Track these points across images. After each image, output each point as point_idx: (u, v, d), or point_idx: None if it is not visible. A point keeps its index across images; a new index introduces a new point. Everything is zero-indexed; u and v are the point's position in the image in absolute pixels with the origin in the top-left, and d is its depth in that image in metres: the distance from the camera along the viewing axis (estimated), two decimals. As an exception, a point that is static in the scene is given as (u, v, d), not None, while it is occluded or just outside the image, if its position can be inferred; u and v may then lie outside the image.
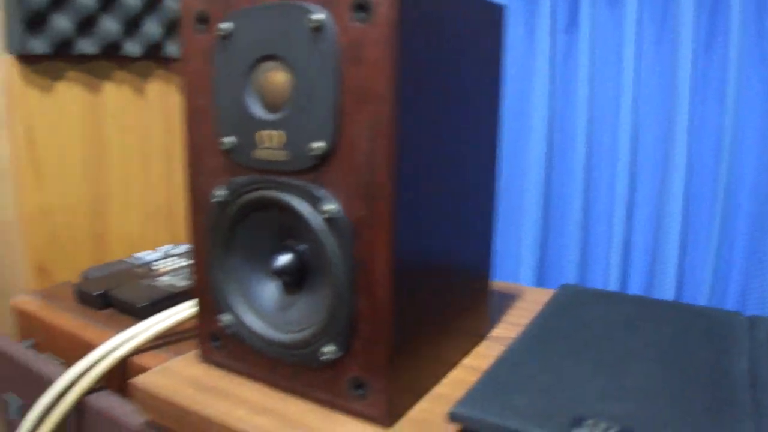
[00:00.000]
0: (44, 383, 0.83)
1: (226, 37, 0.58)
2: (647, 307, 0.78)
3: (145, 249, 1.28)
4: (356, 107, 0.52)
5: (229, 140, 0.59)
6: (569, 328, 0.71)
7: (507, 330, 0.78)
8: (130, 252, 1.28)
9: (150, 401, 0.65)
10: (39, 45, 1.07)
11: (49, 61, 1.12)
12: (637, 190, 1.43)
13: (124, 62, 1.23)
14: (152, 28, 1.22)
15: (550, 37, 1.46)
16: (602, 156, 1.47)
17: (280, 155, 0.56)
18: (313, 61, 0.53)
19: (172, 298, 0.87)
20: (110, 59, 1.21)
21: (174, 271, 0.97)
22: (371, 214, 0.52)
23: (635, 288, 1.47)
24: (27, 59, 1.09)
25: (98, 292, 0.91)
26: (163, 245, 1.26)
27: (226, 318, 0.64)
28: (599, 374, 0.60)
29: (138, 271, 0.98)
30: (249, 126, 0.58)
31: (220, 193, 0.61)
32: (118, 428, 0.72)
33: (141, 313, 0.85)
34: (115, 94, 1.23)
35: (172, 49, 1.27)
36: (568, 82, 1.49)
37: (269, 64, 0.56)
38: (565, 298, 0.81)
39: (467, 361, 0.70)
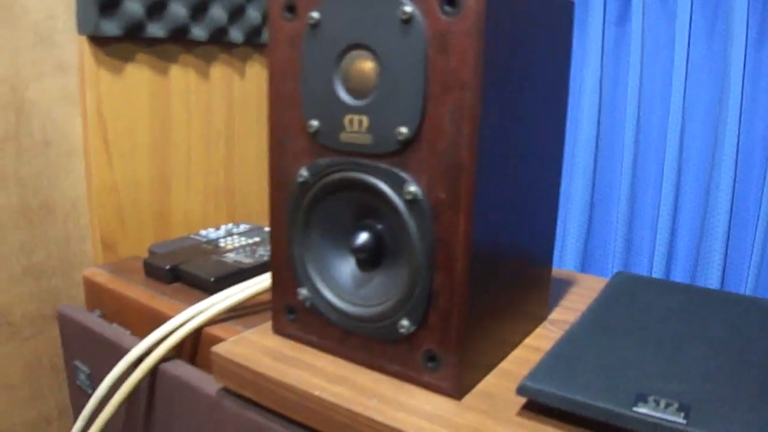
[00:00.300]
0: (116, 351, 0.87)
1: (315, 25, 0.61)
2: (701, 295, 0.80)
3: (204, 227, 1.32)
4: (441, 94, 0.55)
5: (314, 123, 0.63)
6: (626, 314, 0.74)
7: (564, 314, 0.81)
8: (191, 230, 1.33)
9: (229, 368, 0.69)
10: (111, 27, 1.11)
11: (119, 43, 1.16)
12: (683, 182, 1.45)
13: (190, 46, 1.27)
14: (218, 13, 1.26)
15: (602, 28, 1.48)
16: (650, 146, 1.48)
17: (365, 139, 0.59)
18: (401, 50, 0.56)
19: (240, 274, 0.91)
20: (177, 43, 1.25)
21: (238, 249, 1.01)
22: (452, 196, 0.55)
23: (678, 277, 1.49)
24: (99, 41, 1.13)
25: (167, 266, 0.95)
26: (221, 224, 1.30)
27: (303, 292, 0.67)
28: (657, 356, 0.63)
29: (204, 248, 1.02)
30: (335, 110, 0.61)
31: (303, 173, 0.64)
32: (194, 395, 0.76)
33: (211, 288, 0.88)
34: (181, 77, 1.27)
35: (236, 34, 1.31)
36: (618, 73, 1.50)
37: (357, 52, 0.59)
38: (620, 285, 0.83)
39: (528, 341, 0.73)
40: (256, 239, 1.07)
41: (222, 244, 1.04)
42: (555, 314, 0.81)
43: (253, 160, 1.45)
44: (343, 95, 0.60)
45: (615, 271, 1.43)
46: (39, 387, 1.18)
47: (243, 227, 1.15)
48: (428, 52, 0.54)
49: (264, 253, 0.98)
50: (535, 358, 0.68)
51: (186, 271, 0.93)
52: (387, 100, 0.57)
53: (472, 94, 0.53)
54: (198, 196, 1.35)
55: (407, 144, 0.57)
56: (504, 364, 0.67)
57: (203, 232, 1.12)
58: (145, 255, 1.06)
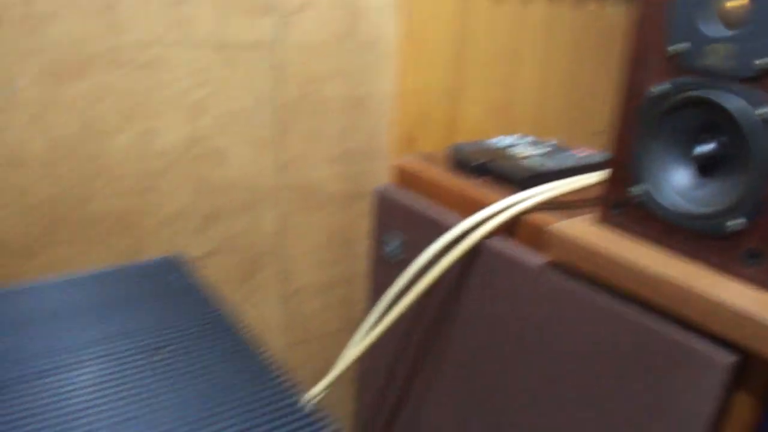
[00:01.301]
0: (434, 227, 1.03)
1: (693, -36, 0.73)
2: None
3: (487, 137, 1.47)
4: (809, 33, 0.65)
5: (677, 47, 0.75)
6: None
7: None
8: (472, 137, 1.48)
9: (564, 245, 0.83)
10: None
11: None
12: None
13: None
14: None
15: None
16: None
17: (726, 64, 0.71)
18: (778, -8, 0.67)
19: (544, 176, 1.04)
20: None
21: (533, 156, 1.14)
22: (805, 119, 0.66)
23: None
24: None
25: (477, 162, 1.10)
26: (499, 135, 1.45)
27: (638, 189, 0.80)
28: None
29: (500, 152, 1.16)
30: (700, 38, 0.73)
31: (661, 88, 0.76)
32: (519, 269, 0.91)
33: (522, 184, 1.02)
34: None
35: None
36: None
37: (731, -10, 0.70)
38: None
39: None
40: (545, 150, 1.20)
41: (514, 151, 1.18)
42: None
43: (532, 80, 1.58)
44: (711, 26, 0.72)
45: None
46: (332, 256, 1.39)
47: (529, 139, 1.28)
48: (803, -5, 0.65)
49: (563, 159, 1.11)
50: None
51: (496, 168, 1.08)
52: (754, 33, 0.68)
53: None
54: (482, 108, 1.50)
55: (766, 72, 0.68)
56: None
57: (493, 140, 1.26)
58: (441, 153, 1.21)
